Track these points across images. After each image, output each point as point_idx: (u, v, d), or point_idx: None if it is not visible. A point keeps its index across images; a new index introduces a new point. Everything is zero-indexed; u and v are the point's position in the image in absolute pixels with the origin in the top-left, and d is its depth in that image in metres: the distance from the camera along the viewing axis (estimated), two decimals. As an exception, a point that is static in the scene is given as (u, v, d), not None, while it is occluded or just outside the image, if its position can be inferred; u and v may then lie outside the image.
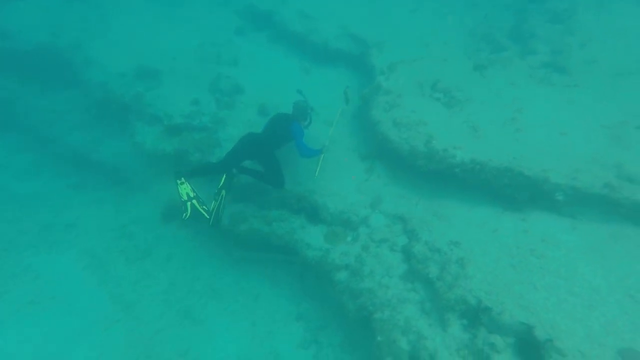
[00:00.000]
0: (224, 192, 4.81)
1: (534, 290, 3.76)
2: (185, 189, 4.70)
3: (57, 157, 7.23)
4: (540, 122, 5.07)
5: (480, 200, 5.10)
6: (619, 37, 6.15)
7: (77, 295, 5.17)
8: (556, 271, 3.88)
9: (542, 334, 3.43)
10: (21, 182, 6.88)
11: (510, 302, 3.69)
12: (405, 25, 7.72)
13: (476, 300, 3.82)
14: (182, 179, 4.72)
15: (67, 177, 7.04)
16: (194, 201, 4.69)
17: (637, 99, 5.28)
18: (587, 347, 3.28)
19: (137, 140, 6.49)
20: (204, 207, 4.69)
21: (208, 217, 4.63)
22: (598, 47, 5.91)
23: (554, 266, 3.89)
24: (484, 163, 4.84)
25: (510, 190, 4.75)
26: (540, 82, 5.71)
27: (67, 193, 6.76)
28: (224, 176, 4.87)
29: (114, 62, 7.23)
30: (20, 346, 4.76)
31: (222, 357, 5.06)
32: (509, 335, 3.60)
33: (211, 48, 8.26)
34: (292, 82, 8.32)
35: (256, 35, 9.04)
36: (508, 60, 6.12)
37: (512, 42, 6.41)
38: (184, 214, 4.63)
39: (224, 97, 7.70)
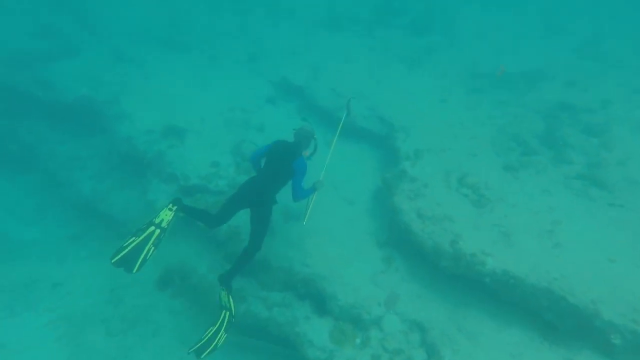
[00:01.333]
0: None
1: None
2: (168, 216, 3.93)
3: (65, 203, 7.09)
4: (583, 240, 4.61)
5: (514, 320, 4.46)
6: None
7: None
8: None
9: None
10: (23, 227, 6.67)
11: None
12: (433, 114, 7.78)
13: None
14: (175, 207, 3.98)
15: (69, 226, 6.78)
16: (157, 231, 3.85)
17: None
18: None
19: (149, 198, 6.31)
20: (151, 248, 3.80)
21: (138, 263, 3.73)
22: (638, 167, 5.65)
23: None
24: (519, 278, 4.31)
25: (550, 316, 4.13)
26: (577, 194, 5.37)
27: (64, 243, 6.44)
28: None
29: (145, 118, 7.40)
30: None
31: None
32: None
33: (240, 113, 8.46)
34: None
35: (286, 105, 9.30)
36: (541, 165, 5.89)
37: (544, 147, 6.25)
38: (131, 239, 3.77)
39: (244, 161, 7.64)
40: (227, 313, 4.04)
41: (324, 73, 9.62)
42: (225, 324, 4.01)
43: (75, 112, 7.76)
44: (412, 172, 6.50)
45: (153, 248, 3.84)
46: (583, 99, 7.06)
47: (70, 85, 7.88)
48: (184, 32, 10.47)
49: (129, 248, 3.76)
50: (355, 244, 6.12)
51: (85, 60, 8.63)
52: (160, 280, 6.18)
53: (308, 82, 9.41)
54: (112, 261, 3.73)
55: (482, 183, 5.81)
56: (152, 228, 3.86)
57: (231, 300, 4.06)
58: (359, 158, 8.19)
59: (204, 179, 6.75)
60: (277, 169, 4.49)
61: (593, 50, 9.45)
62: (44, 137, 7.72)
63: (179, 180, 6.56)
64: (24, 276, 5.49)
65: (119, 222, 6.81)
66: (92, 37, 9.62)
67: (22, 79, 7.89)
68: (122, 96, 7.80)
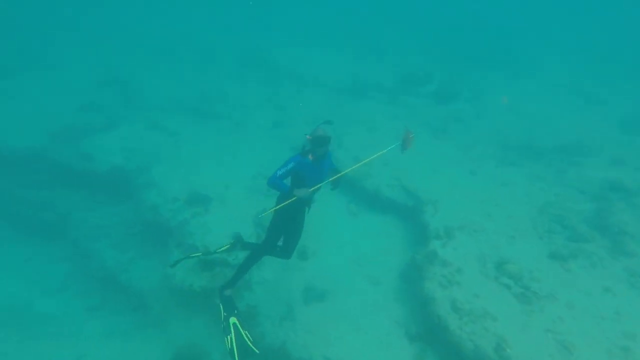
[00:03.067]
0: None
1: None
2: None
3: (87, 273, 7.08)
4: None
5: None
6: None
7: None
8: None
9: None
10: (45, 299, 6.67)
11: None
12: (463, 187, 7.43)
13: None
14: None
15: (90, 297, 6.70)
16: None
17: None
18: None
19: (167, 272, 6.09)
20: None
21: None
22: None
23: None
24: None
25: None
26: (649, 298, 4.68)
27: (82, 317, 6.30)
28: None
29: (171, 186, 7.49)
30: None
31: None
32: None
33: (263, 180, 8.43)
34: (336, 226, 8.03)
35: (308, 172, 9.25)
36: (595, 256, 5.29)
37: (597, 233, 5.66)
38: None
39: (264, 232, 7.47)
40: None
41: (347, 140, 9.66)
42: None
43: (109, 181, 8.03)
44: (443, 253, 6.05)
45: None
46: (637, 181, 6.52)
47: (107, 156, 8.29)
48: (214, 102, 11.03)
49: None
50: (382, 335, 5.54)
51: (123, 132, 9.13)
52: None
53: (331, 150, 9.41)
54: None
55: (525, 272, 5.23)
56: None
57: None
58: (384, 231, 7.82)
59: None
60: None
61: (638, 125, 9.05)
62: (77, 206, 7.97)
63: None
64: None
65: (138, 292, 6.61)
66: (131, 110, 10.27)
67: (67, 152, 8.42)
68: (152, 165, 8.04)
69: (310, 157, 4.11)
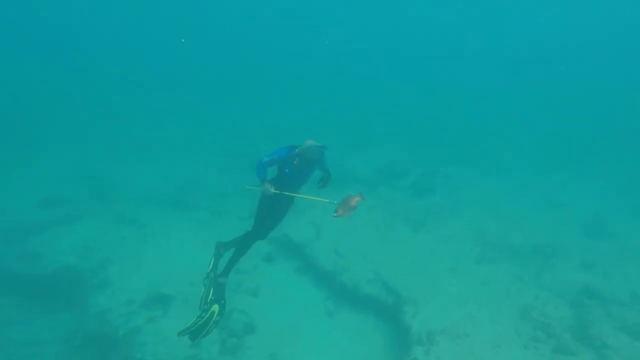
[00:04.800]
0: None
1: None
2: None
3: None
4: None
5: None
6: None
7: None
8: None
9: None
10: None
11: None
12: (443, 285, 7.13)
13: None
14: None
15: None
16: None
17: None
18: None
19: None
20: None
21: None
22: None
23: None
24: None
25: None
26: None
27: None
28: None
29: (129, 286, 6.81)
30: None
31: None
32: None
33: (234, 275, 7.91)
34: (310, 328, 7.34)
35: (284, 265, 8.87)
36: (587, 370, 4.84)
37: (580, 344, 5.27)
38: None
39: (231, 337, 6.74)
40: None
41: (327, 231, 9.51)
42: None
43: (56, 284, 6.98)
44: (426, 365, 5.44)
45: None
46: (608, 287, 6.53)
47: (58, 256, 7.45)
48: (191, 192, 10.85)
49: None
50: None
51: (83, 227, 8.49)
52: None
53: (309, 241, 9.21)
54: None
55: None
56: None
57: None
58: (363, 332, 7.21)
59: (179, 367, 5.68)
60: None
61: (599, 229, 9.48)
62: (9, 319, 6.60)
63: (149, 371, 5.50)
64: None
65: None
66: (96, 203, 9.74)
67: (9, 253, 7.35)
68: (111, 262, 7.40)
69: (296, 161, 4.46)
